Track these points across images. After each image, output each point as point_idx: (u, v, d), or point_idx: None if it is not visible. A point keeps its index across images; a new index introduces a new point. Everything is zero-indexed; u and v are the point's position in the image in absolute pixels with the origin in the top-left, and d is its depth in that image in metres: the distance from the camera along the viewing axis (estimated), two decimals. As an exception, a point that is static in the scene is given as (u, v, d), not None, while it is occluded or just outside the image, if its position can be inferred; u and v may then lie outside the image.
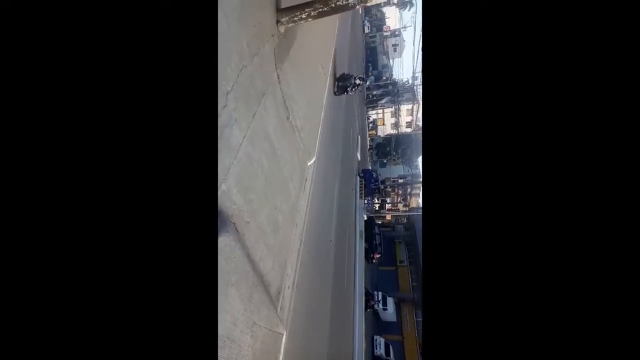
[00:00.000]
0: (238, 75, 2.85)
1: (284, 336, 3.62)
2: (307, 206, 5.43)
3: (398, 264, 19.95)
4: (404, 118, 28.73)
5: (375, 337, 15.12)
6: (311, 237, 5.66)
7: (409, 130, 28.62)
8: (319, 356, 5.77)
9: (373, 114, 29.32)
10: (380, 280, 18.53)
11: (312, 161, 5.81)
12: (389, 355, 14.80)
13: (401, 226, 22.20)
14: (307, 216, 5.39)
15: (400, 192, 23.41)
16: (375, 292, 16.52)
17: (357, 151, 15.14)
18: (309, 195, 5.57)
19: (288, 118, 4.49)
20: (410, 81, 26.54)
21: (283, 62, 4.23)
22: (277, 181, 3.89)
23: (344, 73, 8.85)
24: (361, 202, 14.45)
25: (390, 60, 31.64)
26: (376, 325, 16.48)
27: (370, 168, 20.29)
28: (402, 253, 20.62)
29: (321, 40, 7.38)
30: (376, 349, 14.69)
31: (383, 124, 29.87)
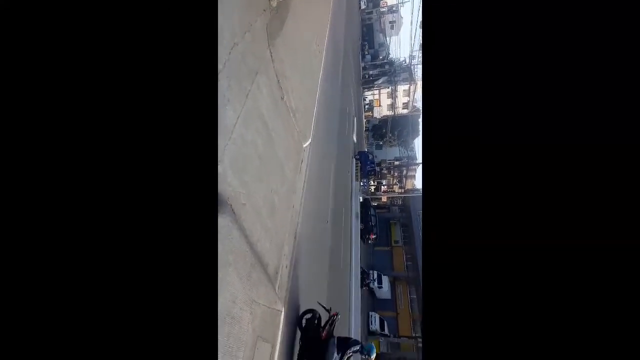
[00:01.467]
0: (230, 53, 2.74)
1: (283, 313, 3.74)
2: (303, 188, 5.45)
3: (393, 244, 20.42)
4: (400, 99, 28.33)
5: (370, 313, 15.73)
6: (308, 219, 5.72)
7: (405, 111, 28.32)
8: (316, 331, 6.00)
9: (369, 95, 28.85)
10: (375, 260, 19.03)
11: (307, 143, 5.76)
12: (384, 330, 15.49)
13: (396, 208, 22.52)
14: (304, 198, 5.41)
15: (396, 174, 23.53)
16: (371, 271, 17.00)
17: (353, 133, 15.02)
18: (305, 178, 5.57)
19: (282, 98, 4.40)
20: (407, 60, 25.94)
21: (276, 38, 4.07)
22: (272, 163, 3.87)
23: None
24: (357, 184, 14.53)
25: (387, 38, 30.72)
26: (371, 302, 17.10)
27: (366, 150, 20.24)
28: (397, 234, 21.06)
29: (315, 16, 7.10)
30: (371, 324, 15.33)
31: (379, 105, 29.48)
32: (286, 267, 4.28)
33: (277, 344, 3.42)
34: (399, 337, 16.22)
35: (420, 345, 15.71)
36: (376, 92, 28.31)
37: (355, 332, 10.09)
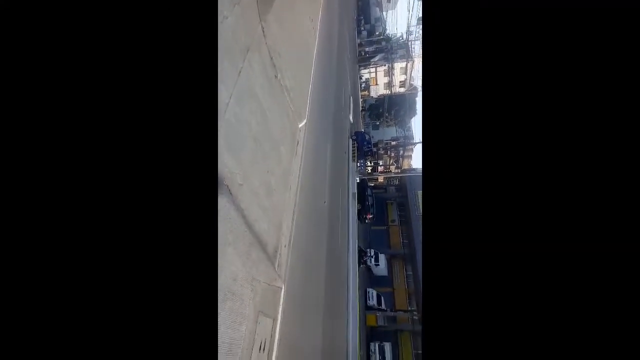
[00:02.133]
0: (219, 27, 2.63)
1: (283, 289, 3.86)
2: (299, 169, 5.44)
3: (390, 224, 20.79)
4: (397, 77, 27.72)
5: (368, 289, 16.30)
6: (305, 199, 5.76)
7: (402, 90, 27.82)
8: (316, 307, 6.24)
9: (366, 73, 28.16)
10: (372, 239, 19.44)
11: (302, 123, 5.68)
12: (381, 305, 16.13)
13: (393, 188, 22.71)
14: (300, 179, 5.42)
15: (392, 154, 23.51)
16: (368, 250, 17.42)
17: (349, 113, 14.81)
18: (301, 159, 5.55)
19: (276, 77, 4.28)
20: (404, 36, 25.12)
21: (267, 13, 3.90)
22: (267, 144, 3.83)
23: None
24: (354, 165, 14.53)
25: (384, 13, 29.54)
26: (369, 279, 17.66)
27: (362, 130, 20.06)
28: (393, 213, 21.38)
29: (309, -12, 6.76)
30: (369, 300, 15.93)
31: (376, 84, 28.87)
32: (285, 246, 4.36)
33: (278, 318, 3.56)
34: (395, 311, 16.93)
35: (415, 317, 16.45)
36: (373, 70, 27.63)
37: (353, 308, 10.50)
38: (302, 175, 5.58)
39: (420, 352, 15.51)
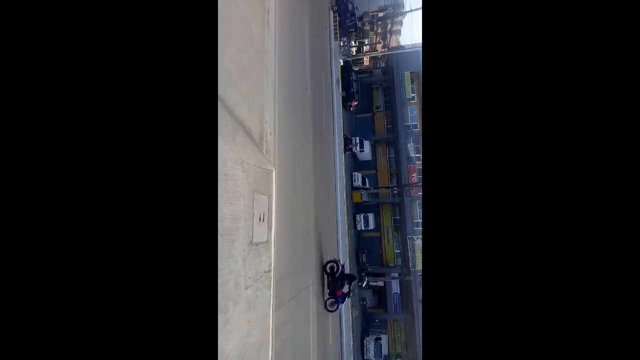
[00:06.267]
0: None
1: (274, 173, 4.12)
2: (275, 48, 4.83)
3: (375, 110, 20.63)
4: None
5: (353, 173, 17.78)
6: (285, 84, 5.40)
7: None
8: (306, 189, 6.89)
9: None
10: (357, 127, 19.72)
11: (272, -14, 4.65)
12: (365, 185, 18.01)
13: (379, 70, 21.24)
14: (277, 60, 4.90)
15: (379, 30, 20.76)
16: (353, 138, 17.93)
17: (328, -26, 12.04)
18: (274, 35, 4.84)
19: None
20: None
21: None
22: (234, 18, 3.22)
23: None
24: (337, 44, 13.01)
25: None
26: (354, 164, 18.99)
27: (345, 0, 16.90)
28: (379, 99, 20.88)
29: None
30: (355, 181, 17.63)
31: None
32: (270, 134, 4.36)
33: (272, 195, 3.94)
34: (378, 188, 19.08)
35: (395, 192, 18.76)
36: None
37: (340, 187, 11.70)
38: (279, 56, 5.03)
39: (397, 217, 18.55)
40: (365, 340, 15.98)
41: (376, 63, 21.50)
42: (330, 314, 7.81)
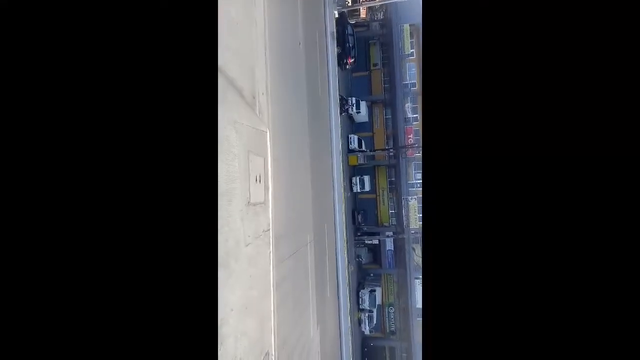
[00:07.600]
0: None
1: (268, 134, 4.05)
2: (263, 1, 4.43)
3: (372, 68, 19.69)
4: None
5: (349, 135, 17.55)
6: (276, 39, 5.05)
7: None
8: (302, 151, 6.84)
9: None
10: (353, 87, 18.99)
11: None
12: (361, 147, 17.91)
13: (377, 24, 19.82)
14: (266, 12, 4.52)
15: (377, -25, 18.91)
16: (350, 98, 17.36)
17: None
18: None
19: None
20: None
21: None
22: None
23: None
24: (331, -6, 11.93)
25: None
26: (351, 126, 18.66)
27: (340, -62, 15.06)
28: (376, 55, 19.80)
29: None
30: (351, 144, 17.48)
31: None
32: (263, 93, 4.20)
33: (268, 157, 3.93)
34: (374, 150, 19.02)
35: (391, 154, 18.77)
36: None
37: (336, 152, 11.63)
38: (268, 10, 4.62)
39: (393, 179, 18.80)
40: (360, 292, 17.26)
41: (374, 15, 19.97)
42: (327, 267, 8.19)
